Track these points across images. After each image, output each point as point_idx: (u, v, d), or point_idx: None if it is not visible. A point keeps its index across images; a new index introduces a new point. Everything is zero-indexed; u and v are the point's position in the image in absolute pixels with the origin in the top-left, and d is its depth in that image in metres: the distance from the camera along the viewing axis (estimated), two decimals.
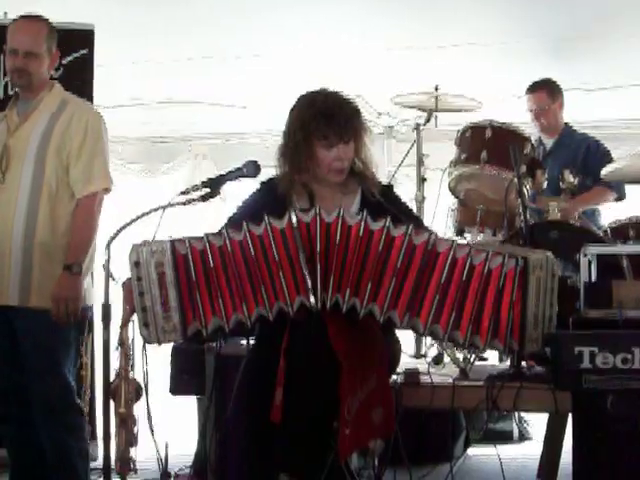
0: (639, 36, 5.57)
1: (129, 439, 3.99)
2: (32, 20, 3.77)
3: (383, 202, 3.31)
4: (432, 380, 3.39)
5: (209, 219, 5.57)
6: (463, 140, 4.62)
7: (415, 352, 4.56)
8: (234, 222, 3.25)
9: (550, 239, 4.04)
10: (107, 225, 3.59)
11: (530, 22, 5.59)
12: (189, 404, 4.56)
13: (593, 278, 3.51)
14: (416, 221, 3.35)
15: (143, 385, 3.23)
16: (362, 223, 2.98)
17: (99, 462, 4.32)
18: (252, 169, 3.32)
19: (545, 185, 4.52)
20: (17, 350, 3.68)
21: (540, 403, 3.31)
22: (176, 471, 4.19)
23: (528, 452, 5.01)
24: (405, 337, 3.51)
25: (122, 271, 3.15)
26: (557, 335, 3.14)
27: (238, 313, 3.02)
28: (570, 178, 4.38)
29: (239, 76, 6.11)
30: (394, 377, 3.39)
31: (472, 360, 3.72)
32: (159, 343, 3.08)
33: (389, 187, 3.50)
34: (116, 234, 3.18)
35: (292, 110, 3.37)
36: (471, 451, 5.07)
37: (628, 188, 5.11)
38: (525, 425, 5.55)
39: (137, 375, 4.00)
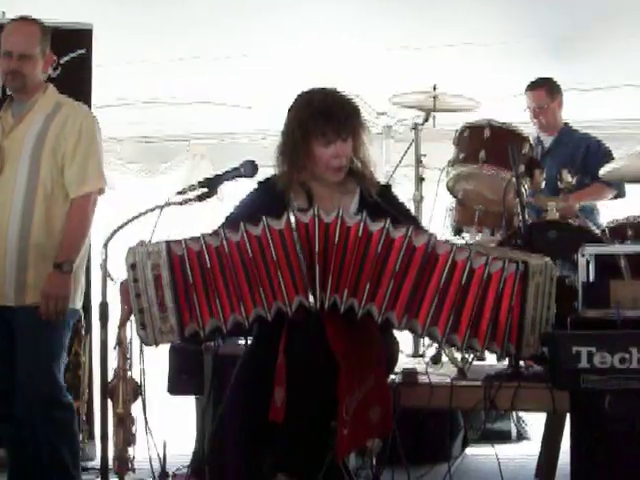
0: (639, 36, 5.57)
1: (127, 439, 3.97)
2: (26, 22, 3.78)
3: (381, 202, 3.30)
4: (430, 380, 3.37)
5: (206, 219, 5.56)
6: (461, 140, 4.61)
7: (413, 352, 4.56)
8: (231, 222, 3.23)
9: (548, 239, 4.03)
10: (105, 224, 3.58)
11: (530, 22, 5.59)
12: (187, 404, 4.56)
13: (591, 278, 3.50)
14: (414, 222, 3.34)
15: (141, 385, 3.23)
16: (361, 224, 2.97)
17: (97, 461, 4.34)
18: (250, 169, 3.32)
19: (543, 185, 4.52)
20: (15, 350, 3.67)
21: (538, 403, 3.31)
22: (174, 471, 4.18)
23: (526, 452, 5.00)
24: (403, 337, 3.50)
25: (120, 271, 3.15)
26: (555, 335, 3.13)
27: (236, 314, 3.01)
28: (568, 178, 4.37)
29: (238, 76, 6.12)
30: (392, 377, 3.38)
31: (470, 360, 3.71)
32: (156, 344, 3.07)
33: (387, 187, 3.49)
34: (113, 234, 3.19)
35: (290, 109, 3.36)
36: (469, 451, 5.06)
37: (627, 188, 5.11)
38: (523, 425, 5.54)
39: (135, 375, 3.99)
